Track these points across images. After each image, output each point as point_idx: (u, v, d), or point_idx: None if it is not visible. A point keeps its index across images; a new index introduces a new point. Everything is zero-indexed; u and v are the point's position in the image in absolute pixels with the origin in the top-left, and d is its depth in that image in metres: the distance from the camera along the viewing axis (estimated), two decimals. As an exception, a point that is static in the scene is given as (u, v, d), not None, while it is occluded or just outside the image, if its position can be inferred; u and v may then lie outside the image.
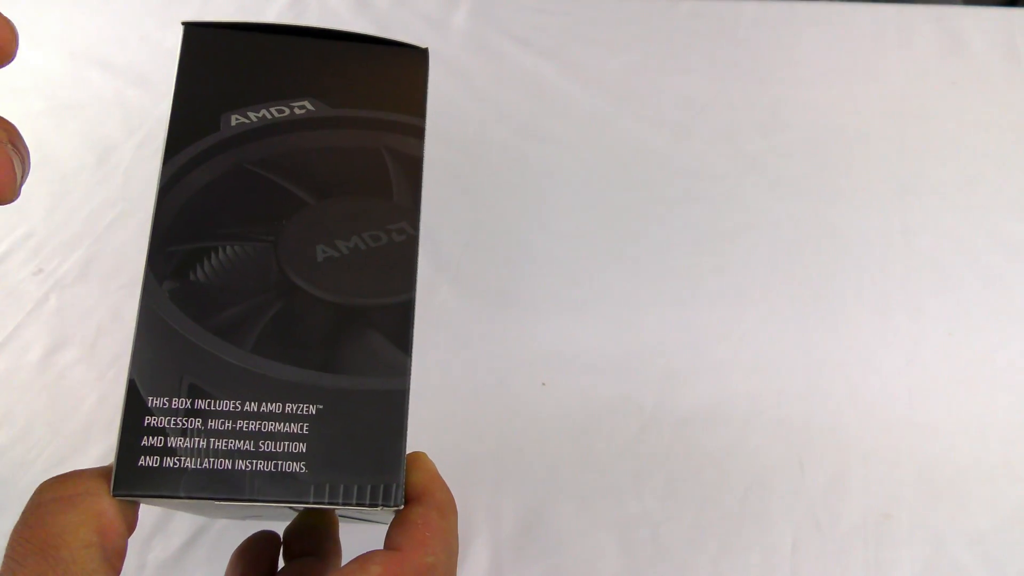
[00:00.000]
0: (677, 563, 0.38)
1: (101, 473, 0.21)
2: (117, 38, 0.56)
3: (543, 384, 0.43)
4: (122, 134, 0.52)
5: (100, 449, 0.40)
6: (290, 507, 0.22)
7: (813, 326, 0.45)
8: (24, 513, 0.19)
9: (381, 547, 0.22)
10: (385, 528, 0.22)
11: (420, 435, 0.23)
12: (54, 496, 0.20)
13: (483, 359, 0.44)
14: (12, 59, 0.19)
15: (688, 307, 0.46)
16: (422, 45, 0.26)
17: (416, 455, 0.23)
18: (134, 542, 0.22)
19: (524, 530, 0.39)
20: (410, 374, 0.22)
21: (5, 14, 0.19)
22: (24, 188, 0.20)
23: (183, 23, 0.24)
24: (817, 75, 0.56)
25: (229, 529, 0.38)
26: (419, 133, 0.25)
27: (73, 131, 0.51)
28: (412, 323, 0.23)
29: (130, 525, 0.21)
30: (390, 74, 0.25)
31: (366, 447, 0.21)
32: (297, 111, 0.24)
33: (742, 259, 0.48)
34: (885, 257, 0.48)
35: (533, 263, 0.47)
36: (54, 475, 0.20)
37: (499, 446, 0.41)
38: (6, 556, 0.19)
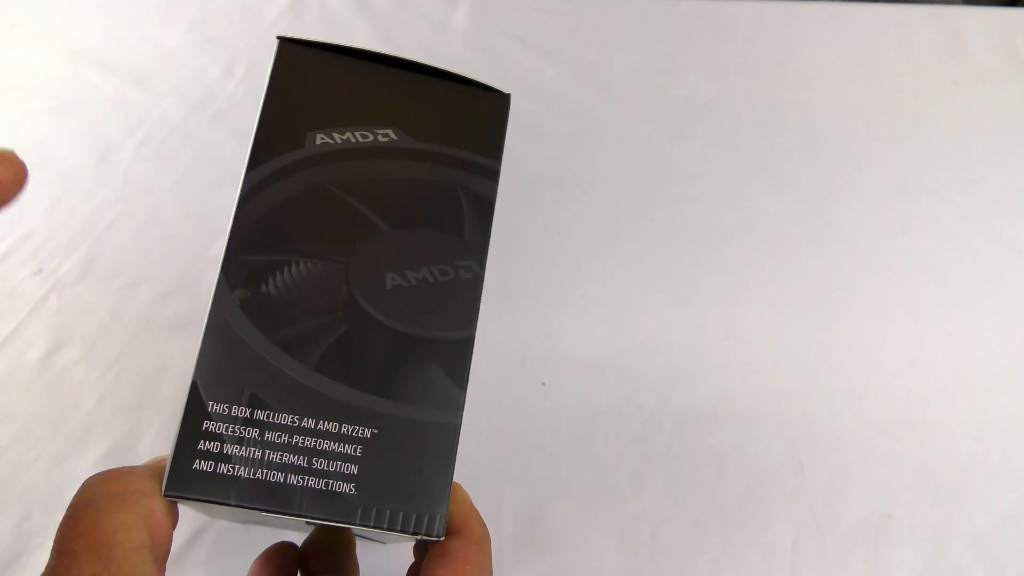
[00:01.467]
0: (677, 563, 0.38)
1: (151, 472, 0.21)
2: (117, 38, 0.56)
3: (543, 384, 0.43)
4: (122, 134, 0.52)
5: (100, 449, 0.40)
6: (308, 522, 0.22)
7: (813, 326, 0.45)
8: (74, 507, 0.19)
9: (390, 567, 0.22)
10: (393, 548, 0.22)
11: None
12: (106, 492, 0.19)
13: (483, 359, 0.44)
14: (20, 194, 0.20)
15: (688, 307, 0.46)
16: (505, 90, 0.27)
17: (453, 486, 0.23)
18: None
19: (524, 530, 0.39)
20: (463, 409, 0.23)
21: (16, 154, 0.20)
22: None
23: (278, 37, 0.25)
24: (817, 75, 0.56)
25: (229, 529, 0.38)
26: (494, 176, 0.25)
27: (73, 131, 0.51)
28: (470, 359, 0.23)
29: (174, 525, 0.21)
30: (472, 114, 0.26)
31: (415, 476, 0.22)
32: (381, 139, 0.25)
33: (742, 259, 0.48)
34: (885, 257, 0.48)
35: (533, 263, 0.47)
36: (101, 470, 0.20)
37: (499, 446, 0.41)
38: (57, 551, 0.18)
